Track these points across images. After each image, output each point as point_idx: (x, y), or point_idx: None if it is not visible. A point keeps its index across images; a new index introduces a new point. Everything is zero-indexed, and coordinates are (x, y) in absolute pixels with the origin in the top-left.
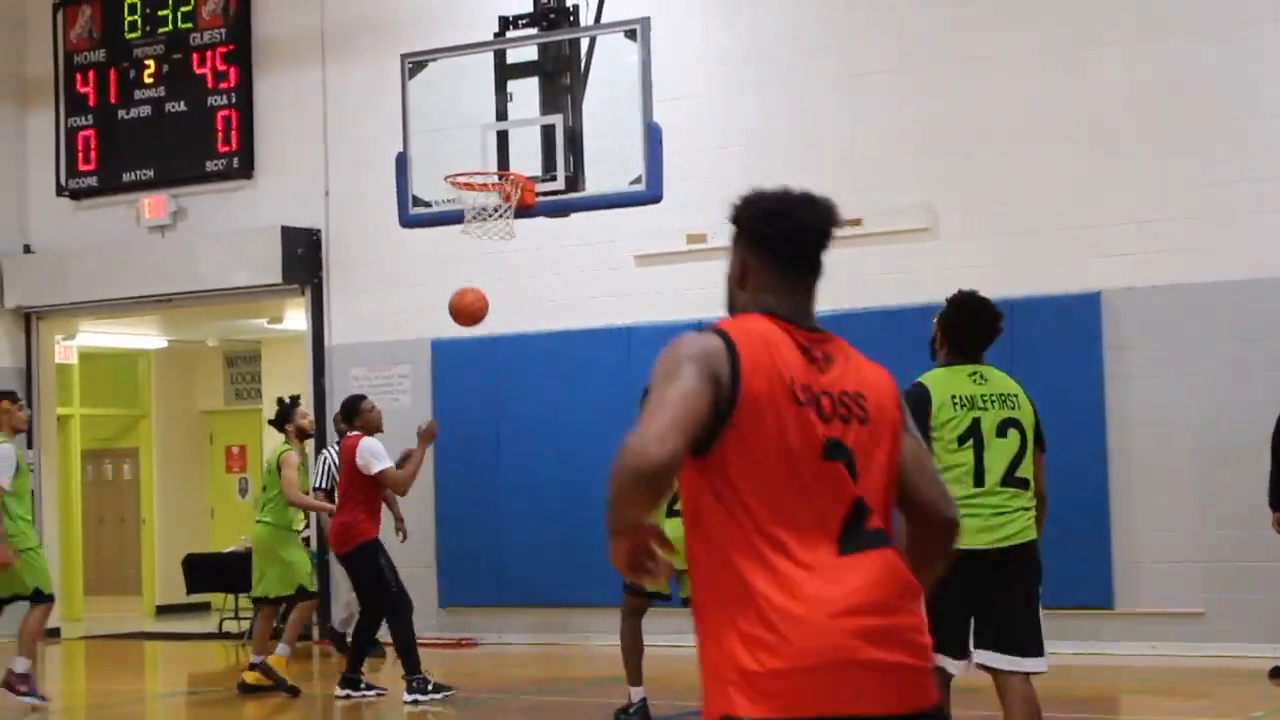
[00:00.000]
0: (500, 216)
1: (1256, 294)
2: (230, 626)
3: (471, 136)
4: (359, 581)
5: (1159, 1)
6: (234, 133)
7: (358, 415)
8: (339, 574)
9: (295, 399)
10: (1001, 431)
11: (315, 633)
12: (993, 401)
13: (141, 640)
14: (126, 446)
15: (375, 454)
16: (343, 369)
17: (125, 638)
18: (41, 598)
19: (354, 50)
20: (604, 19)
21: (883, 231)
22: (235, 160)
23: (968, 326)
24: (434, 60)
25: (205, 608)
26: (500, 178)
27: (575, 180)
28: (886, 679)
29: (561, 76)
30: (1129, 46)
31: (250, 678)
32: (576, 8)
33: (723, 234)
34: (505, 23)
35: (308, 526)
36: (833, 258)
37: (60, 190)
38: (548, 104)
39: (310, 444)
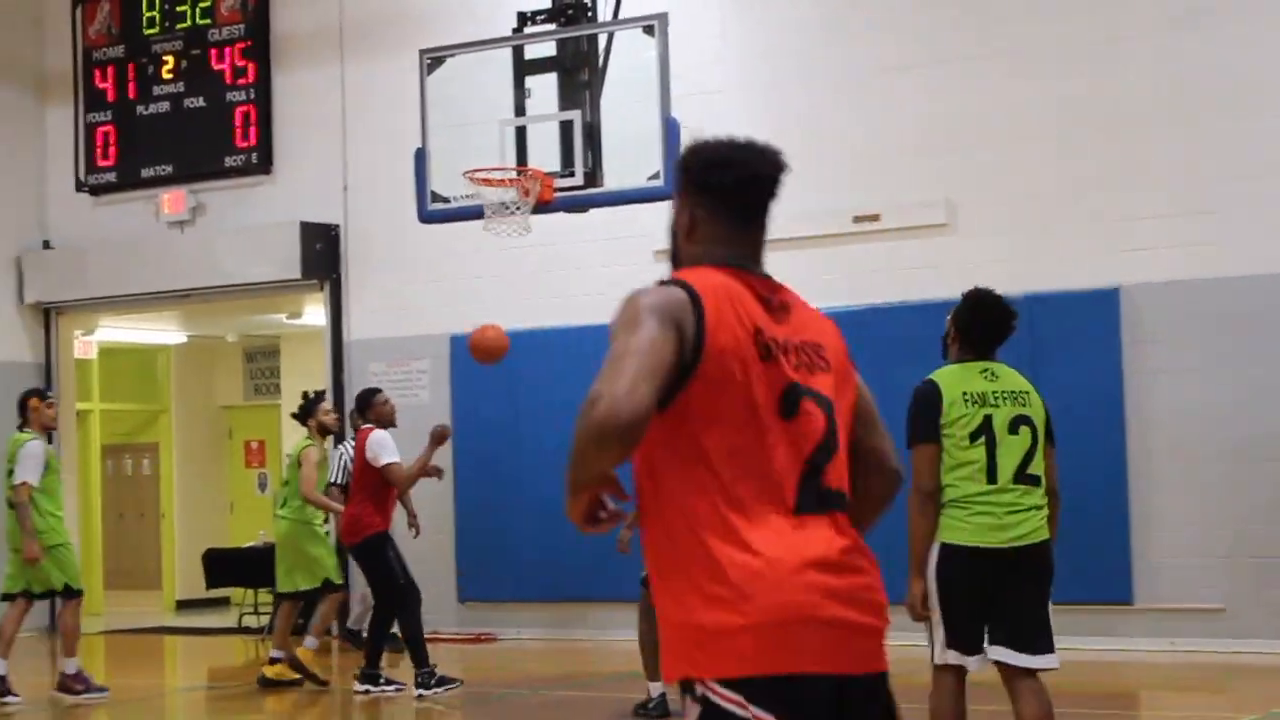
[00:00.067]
0: (519, 212)
1: (1276, 289)
2: (250, 621)
3: (490, 132)
4: (368, 574)
5: None
6: (253, 128)
7: (371, 408)
8: (357, 571)
9: (320, 394)
10: (1013, 428)
11: (334, 628)
12: (1004, 398)
13: (161, 635)
14: (146, 442)
15: (384, 446)
16: (361, 364)
17: (145, 632)
18: (71, 593)
19: (372, 46)
20: (622, 14)
21: (901, 227)
22: (254, 156)
23: (981, 324)
24: (452, 56)
25: (225, 602)
26: (519, 173)
27: (594, 175)
28: (846, 637)
29: (580, 72)
30: (1152, 41)
31: (270, 672)
32: (595, 3)
33: None
34: (523, 18)
35: (328, 521)
36: (856, 252)
37: (79, 186)
38: (566, 99)
39: (330, 440)
